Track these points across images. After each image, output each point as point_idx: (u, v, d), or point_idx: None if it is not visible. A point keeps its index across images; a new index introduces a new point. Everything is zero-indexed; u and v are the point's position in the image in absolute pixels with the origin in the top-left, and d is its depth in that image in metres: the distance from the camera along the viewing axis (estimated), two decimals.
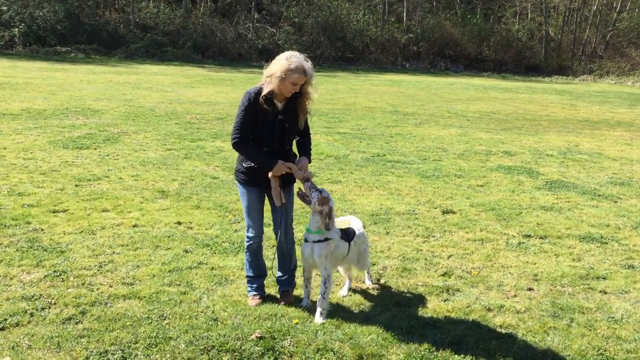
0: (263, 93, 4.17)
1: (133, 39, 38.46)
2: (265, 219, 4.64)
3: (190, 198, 7.26)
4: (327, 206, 4.29)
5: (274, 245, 5.36)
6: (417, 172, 9.35)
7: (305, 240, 4.43)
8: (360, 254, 4.79)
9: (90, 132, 11.23)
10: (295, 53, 4.19)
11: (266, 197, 4.54)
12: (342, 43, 43.51)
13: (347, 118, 15.26)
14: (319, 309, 4.29)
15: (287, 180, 4.40)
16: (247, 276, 4.64)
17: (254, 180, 4.40)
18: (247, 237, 4.56)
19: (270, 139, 4.28)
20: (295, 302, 4.58)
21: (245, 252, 4.61)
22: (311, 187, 4.30)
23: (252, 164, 4.34)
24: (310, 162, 4.49)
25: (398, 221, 6.75)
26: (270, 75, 4.14)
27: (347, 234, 4.62)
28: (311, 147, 4.57)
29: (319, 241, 4.34)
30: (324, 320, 4.22)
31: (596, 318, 4.50)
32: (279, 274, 4.70)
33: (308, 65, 4.15)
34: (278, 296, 4.69)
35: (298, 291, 4.76)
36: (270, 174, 4.28)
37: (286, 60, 4.10)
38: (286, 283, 4.69)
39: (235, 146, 4.29)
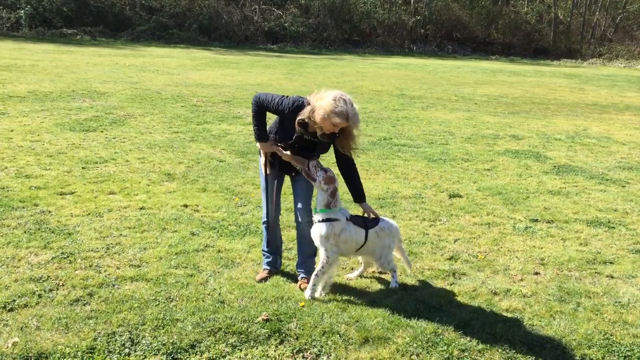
0: (300, 117, 4.17)
1: (139, 21, 38.34)
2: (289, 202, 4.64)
3: (197, 181, 7.26)
4: (333, 185, 4.27)
5: (287, 226, 5.38)
6: (424, 156, 9.32)
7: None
8: (382, 248, 4.47)
9: (96, 115, 11.23)
10: (345, 96, 4.13)
11: (289, 180, 4.61)
12: (349, 26, 43.21)
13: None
14: (310, 284, 4.30)
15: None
16: (263, 250, 4.78)
17: (275, 164, 4.49)
18: (264, 215, 4.68)
19: (287, 142, 4.35)
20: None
21: (263, 229, 4.74)
22: (316, 166, 4.30)
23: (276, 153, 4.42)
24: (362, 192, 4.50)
25: (404, 205, 6.73)
26: (314, 107, 4.12)
27: (366, 221, 4.42)
28: (357, 177, 4.50)
29: (322, 221, 4.28)
30: (311, 296, 4.25)
31: (603, 302, 4.49)
32: (299, 259, 4.70)
33: (353, 111, 4.10)
34: (285, 279, 4.68)
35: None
36: (259, 146, 4.45)
37: (333, 101, 4.06)
38: (305, 269, 4.65)
39: (253, 102, 4.33)
